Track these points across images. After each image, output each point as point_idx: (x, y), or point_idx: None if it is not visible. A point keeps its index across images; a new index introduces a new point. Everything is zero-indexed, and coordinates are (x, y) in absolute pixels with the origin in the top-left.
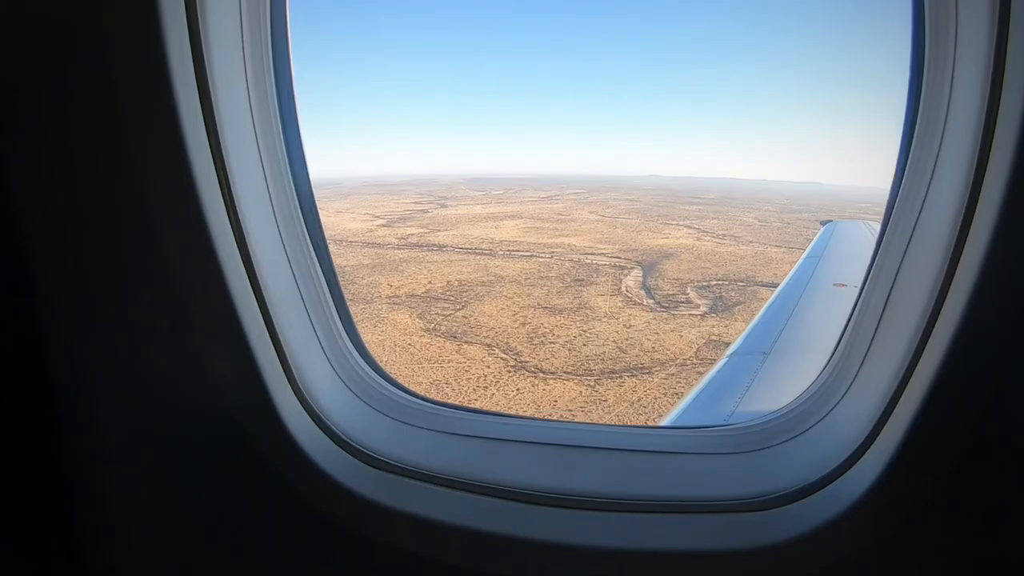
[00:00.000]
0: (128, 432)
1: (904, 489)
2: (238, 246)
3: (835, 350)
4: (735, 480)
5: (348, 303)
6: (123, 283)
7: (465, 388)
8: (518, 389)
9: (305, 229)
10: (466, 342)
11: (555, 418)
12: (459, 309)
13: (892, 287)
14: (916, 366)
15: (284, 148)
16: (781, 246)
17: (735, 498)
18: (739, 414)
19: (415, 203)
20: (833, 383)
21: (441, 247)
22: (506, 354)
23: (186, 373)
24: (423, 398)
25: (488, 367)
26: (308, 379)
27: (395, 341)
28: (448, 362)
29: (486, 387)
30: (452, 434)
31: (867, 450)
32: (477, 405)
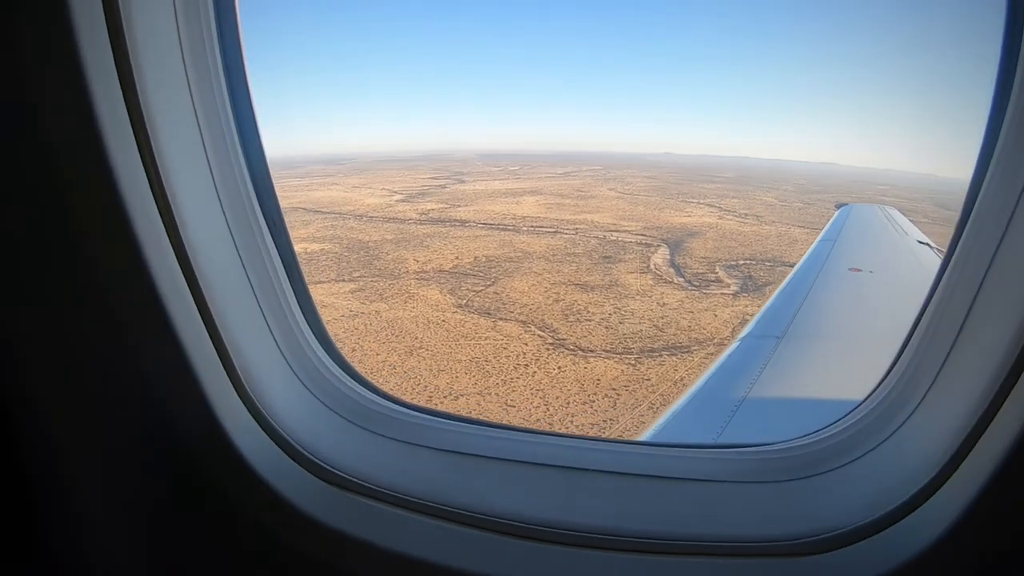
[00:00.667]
0: (61, 446)
1: (984, 535)
2: (167, 230)
3: (896, 361)
4: (774, 515)
5: (311, 290)
6: (44, 281)
7: (505, 366)
8: (559, 367)
9: (257, 211)
10: (501, 319)
11: (556, 431)
12: (489, 285)
13: (977, 295)
14: (1010, 388)
15: (232, 130)
16: (804, 227)
17: (775, 538)
18: (752, 398)
19: (432, 178)
20: (896, 401)
21: (464, 222)
22: (543, 331)
23: (115, 373)
24: (400, 402)
25: (526, 344)
26: (256, 378)
27: (428, 317)
28: (485, 339)
29: (526, 364)
30: (431, 448)
31: (941, 486)
32: (516, 383)
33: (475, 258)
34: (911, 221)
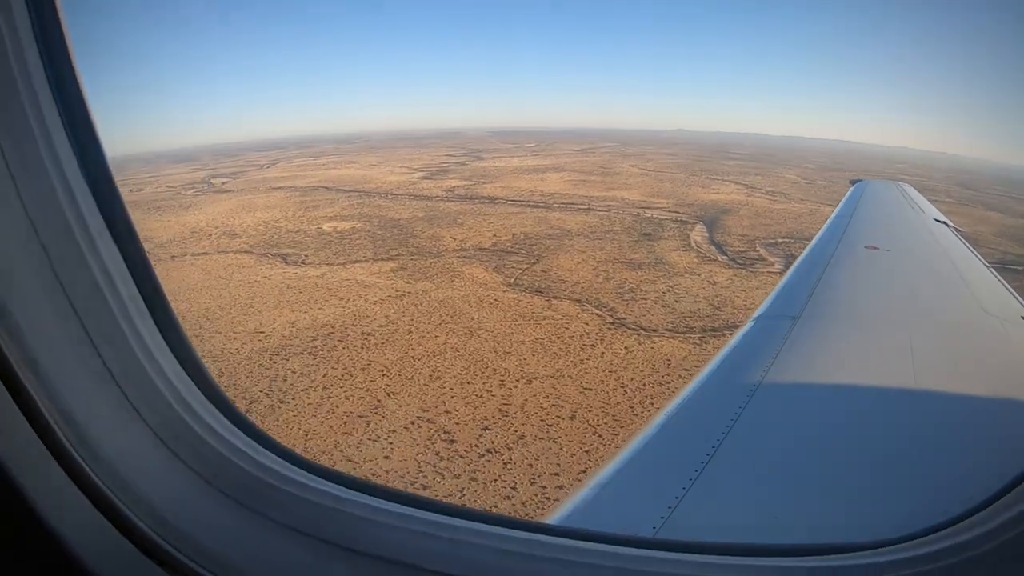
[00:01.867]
0: None
1: None
2: None
3: None
4: None
5: (168, 299)
6: None
7: (572, 347)
8: (625, 347)
9: (90, 221)
10: (554, 297)
11: (529, 519)
12: (534, 263)
13: None
14: None
15: (58, 124)
16: (832, 204)
17: None
18: (768, 383)
19: (448, 156)
20: None
21: (492, 199)
22: (599, 310)
23: None
24: (303, 462)
25: (586, 324)
26: (81, 425)
27: (479, 296)
28: (543, 319)
29: (593, 345)
30: (347, 550)
31: None
32: (587, 364)
33: (513, 235)
34: (933, 201)
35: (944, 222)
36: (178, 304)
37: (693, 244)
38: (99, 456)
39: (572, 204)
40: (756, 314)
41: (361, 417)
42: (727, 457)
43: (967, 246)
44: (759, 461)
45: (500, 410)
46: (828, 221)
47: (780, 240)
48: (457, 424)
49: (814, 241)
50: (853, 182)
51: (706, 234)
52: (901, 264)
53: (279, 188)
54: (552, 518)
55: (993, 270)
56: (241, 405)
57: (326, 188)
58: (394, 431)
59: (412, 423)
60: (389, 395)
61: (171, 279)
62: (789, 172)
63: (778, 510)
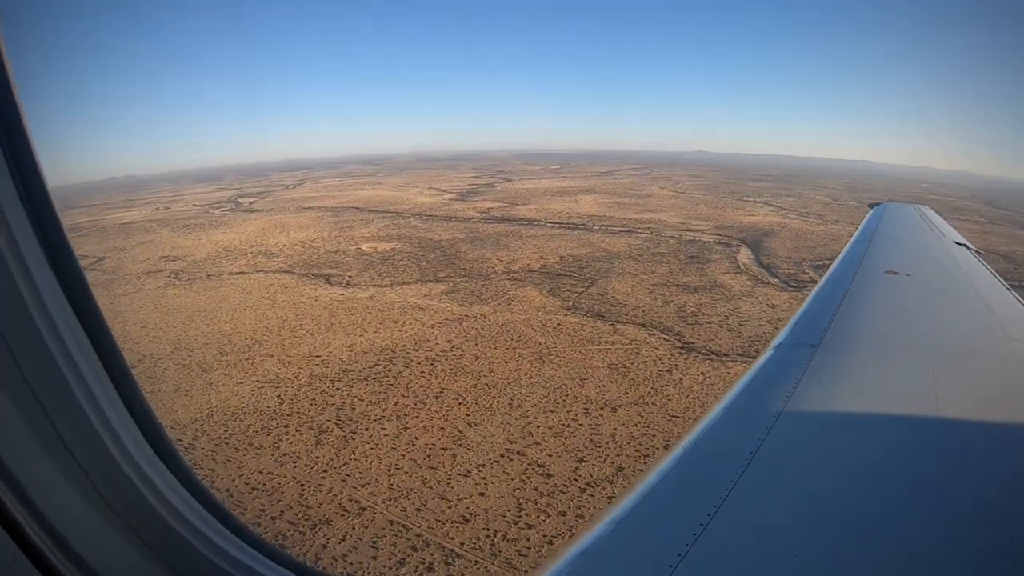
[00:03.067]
0: None
1: None
2: None
3: None
4: None
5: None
6: None
7: (647, 373)
8: (702, 373)
9: (47, 294)
10: (617, 321)
11: None
12: (588, 286)
13: None
14: None
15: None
16: None
17: None
18: (789, 412)
19: (475, 177)
20: None
21: (531, 221)
22: (666, 335)
23: None
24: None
25: (656, 349)
26: (65, 533)
27: (541, 321)
28: (612, 344)
29: (668, 371)
30: None
31: None
32: (668, 391)
33: (560, 258)
34: (963, 221)
35: (965, 244)
36: (222, 326)
37: (742, 267)
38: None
39: (612, 226)
40: (775, 342)
41: (445, 450)
42: (748, 489)
43: (989, 269)
44: (781, 493)
45: (591, 440)
46: (847, 245)
47: (826, 262)
48: (550, 456)
49: (833, 266)
50: (872, 205)
51: (752, 256)
52: (922, 289)
53: (309, 208)
54: (571, 549)
55: (1016, 294)
56: (310, 436)
57: (357, 208)
58: (483, 465)
59: (502, 456)
60: (470, 425)
61: (210, 299)
62: (817, 193)
63: (801, 542)
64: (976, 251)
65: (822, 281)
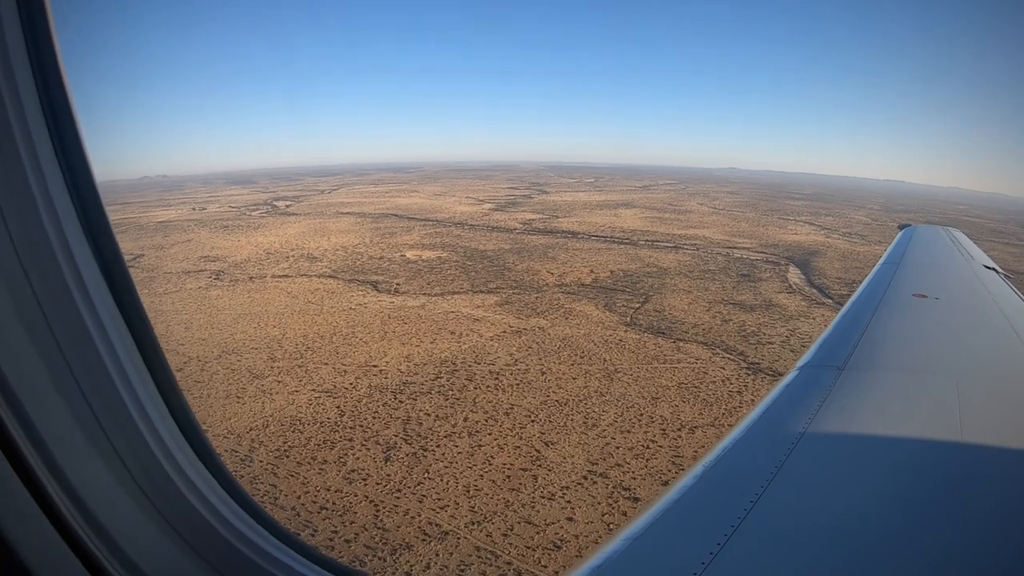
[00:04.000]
0: None
1: None
2: None
3: None
4: None
5: (172, 367)
6: None
7: (719, 393)
8: None
9: (90, 282)
10: (679, 339)
11: None
12: (644, 302)
13: None
14: None
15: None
16: None
17: None
18: (812, 433)
19: (511, 188)
20: None
21: (574, 234)
22: (730, 354)
23: None
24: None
25: (723, 369)
26: (105, 526)
27: (602, 337)
28: (677, 362)
29: (739, 392)
30: None
31: None
32: (742, 412)
33: (611, 272)
34: (1002, 244)
35: (994, 268)
36: (270, 330)
37: (794, 286)
38: (115, 547)
39: (657, 241)
40: (800, 363)
41: (524, 470)
42: (769, 509)
43: (1018, 294)
44: (801, 514)
45: (673, 463)
46: (876, 266)
47: None
48: (634, 479)
49: (861, 287)
50: (902, 227)
51: (802, 276)
52: (950, 313)
53: (347, 214)
54: (587, 564)
55: None
56: (377, 452)
57: (396, 216)
58: (567, 487)
59: (584, 478)
60: (547, 444)
61: (255, 302)
62: (856, 213)
63: (819, 562)
64: (1005, 275)
65: (849, 303)
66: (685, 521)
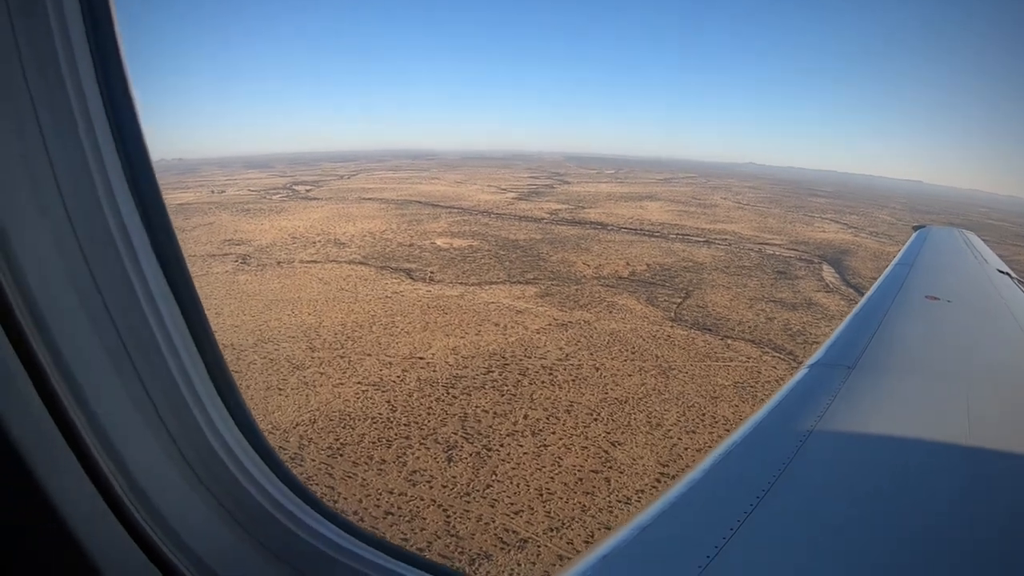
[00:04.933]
0: None
1: None
2: None
3: None
4: None
5: (223, 354)
6: None
7: (772, 393)
8: None
9: (145, 263)
10: (727, 337)
11: None
12: (685, 297)
13: None
14: None
15: (100, 140)
16: None
17: None
18: (819, 432)
19: (532, 178)
20: None
21: (603, 226)
22: (779, 353)
23: None
24: (371, 541)
25: (775, 368)
26: (149, 499)
27: (649, 332)
28: (729, 360)
29: None
30: None
31: None
32: None
33: (648, 265)
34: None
35: (1007, 273)
36: (306, 317)
37: (831, 285)
38: (160, 519)
39: (687, 235)
40: (810, 361)
41: (595, 472)
42: (773, 506)
43: None
44: (806, 513)
45: None
46: (889, 267)
47: None
48: None
49: (873, 288)
50: (916, 228)
51: (837, 275)
52: (962, 316)
53: (370, 199)
54: (595, 552)
55: None
56: (438, 451)
57: (419, 202)
58: (642, 491)
59: (658, 480)
60: (614, 445)
61: (286, 287)
62: (880, 212)
63: (823, 556)
64: (1019, 280)
65: (862, 302)
66: (692, 514)
